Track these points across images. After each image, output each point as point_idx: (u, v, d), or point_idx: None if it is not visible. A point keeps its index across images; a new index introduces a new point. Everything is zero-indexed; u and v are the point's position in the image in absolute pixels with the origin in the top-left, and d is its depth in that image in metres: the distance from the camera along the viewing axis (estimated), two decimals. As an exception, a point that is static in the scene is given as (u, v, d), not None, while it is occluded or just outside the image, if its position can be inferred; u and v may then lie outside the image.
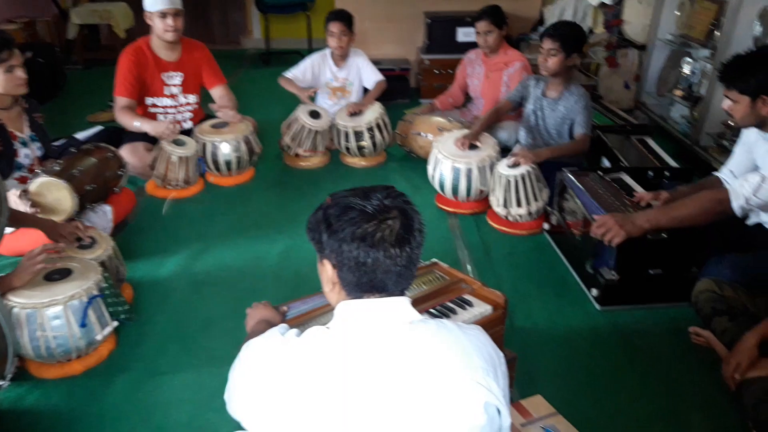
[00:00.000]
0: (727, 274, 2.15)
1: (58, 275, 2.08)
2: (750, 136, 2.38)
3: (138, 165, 3.32)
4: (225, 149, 3.42)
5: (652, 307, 2.43)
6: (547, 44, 3.06)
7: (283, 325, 1.24)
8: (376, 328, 1.07)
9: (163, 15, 3.31)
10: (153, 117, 3.51)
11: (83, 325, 2.02)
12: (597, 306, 2.45)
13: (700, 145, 3.72)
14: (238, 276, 2.67)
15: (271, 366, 1.08)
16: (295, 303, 1.86)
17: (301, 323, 1.76)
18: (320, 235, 1.14)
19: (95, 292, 2.07)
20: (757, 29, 3.46)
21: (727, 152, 3.40)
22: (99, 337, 2.09)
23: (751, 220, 2.41)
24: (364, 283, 1.10)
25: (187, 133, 3.50)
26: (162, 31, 3.35)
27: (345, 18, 3.83)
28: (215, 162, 3.43)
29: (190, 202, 3.34)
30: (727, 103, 2.24)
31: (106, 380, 2.08)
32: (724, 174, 2.49)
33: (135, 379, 2.09)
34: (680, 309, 2.38)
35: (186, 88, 3.58)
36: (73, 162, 2.75)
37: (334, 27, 3.80)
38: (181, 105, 3.60)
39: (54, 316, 1.98)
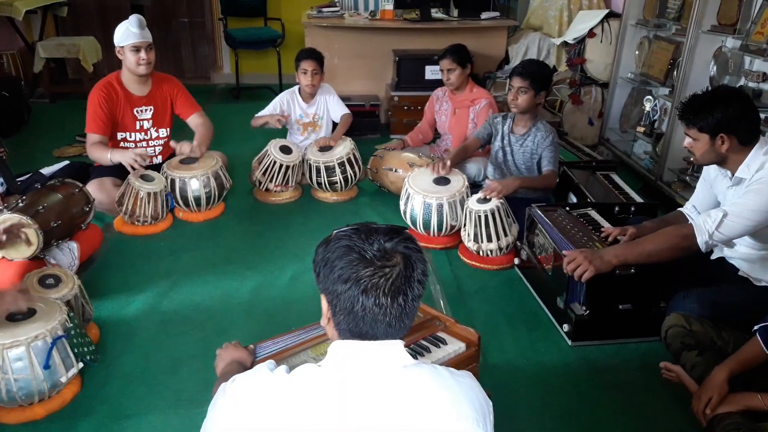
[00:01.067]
0: (695, 308, 2.19)
1: (21, 315, 2.01)
2: (710, 172, 2.46)
3: (105, 201, 3.27)
4: (194, 185, 3.39)
5: (623, 342, 2.46)
6: (517, 82, 3.14)
7: (271, 361, 1.22)
8: (369, 370, 1.05)
9: (136, 49, 3.31)
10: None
11: (47, 367, 1.95)
12: (569, 341, 2.46)
13: (663, 181, 3.82)
14: (207, 314, 2.62)
15: (261, 402, 1.05)
16: (266, 343, 1.83)
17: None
18: (319, 269, 1.12)
19: (60, 333, 2.01)
20: (713, 69, 3.60)
21: (689, 187, 3.51)
22: (63, 380, 2.02)
23: (715, 255, 2.47)
24: (353, 329, 1.07)
25: (156, 168, 3.47)
26: (134, 65, 3.34)
27: (317, 57, 3.89)
28: (184, 198, 3.39)
29: (158, 239, 3.29)
30: (687, 141, 2.30)
31: (70, 425, 2.00)
32: (688, 209, 2.56)
33: (99, 423, 2.02)
34: (651, 344, 2.41)
35: (157, 122, 3.56)
36: (38, 198, 2.69)
37: (307, 65, 3.85)
38: (152, 139, 3.58)
39: (16, 358, 1.91)
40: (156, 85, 3.54)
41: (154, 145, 3.60)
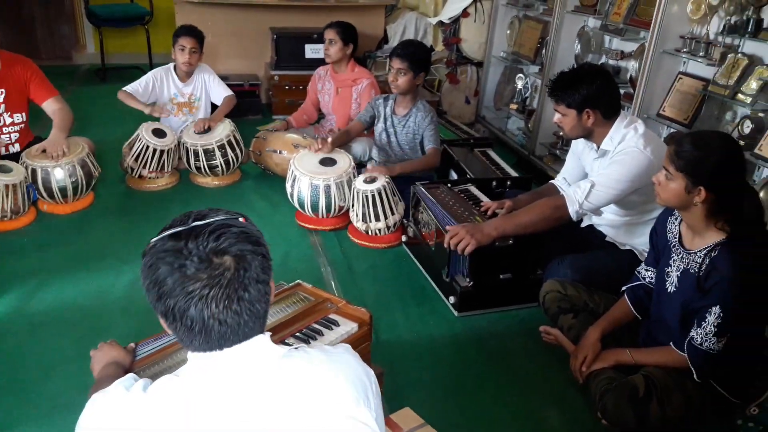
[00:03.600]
0: (568, 273, 2.34)
1: None
2: (578, 146, 2.61)
3: (-46, 195, 2.95)
4: (59, 175, 3.13)
5: (505, 309, 2.58)
6: (396, 64, 3.17)
7: (130, 376, 1.11)
8: (233, 374, 0.98)
9: None
10: (-28, 139, 3.14)
11: None
12: (455, 313, 2.55)
13: (535, 155, 4.03)
14: (80, 314, 2.45)
15: (116, 425, 0.97)
16: (147, 341, 1.73)
17: (154, 362, 1.64)
18: (145, 289, 0.99)
19: None
20: (577, 47, 3.82)
21: (560, 161, 3.72)
22: None
23: (584, 223, 2.64)
24: (197, 345, 0.97)
25: (15, 157, 3.17)
26: None
27: (197, 34, 3.72)
28: (48, 189, 3.13)
29: (20, 235, 3.02)
30: (556, 117, 2.43)
31: (-75, 447, 1.81)
32: (559, 181, 2.71)
33: (-38, 442, 1.84)
34: (530, 310, 2.55)
35: (9, 106, 3.24)
36: None
37: (186, 42, 3.66)
38: (5, 125, 3.25)
39: None
40: (6, 67, 3.21)
41: (9, 132, 3.28)
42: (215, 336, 0.96)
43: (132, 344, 1.66)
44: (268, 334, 1.04)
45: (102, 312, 2.47)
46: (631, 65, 3.44)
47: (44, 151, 3.14)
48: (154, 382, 1.02)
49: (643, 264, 2.13)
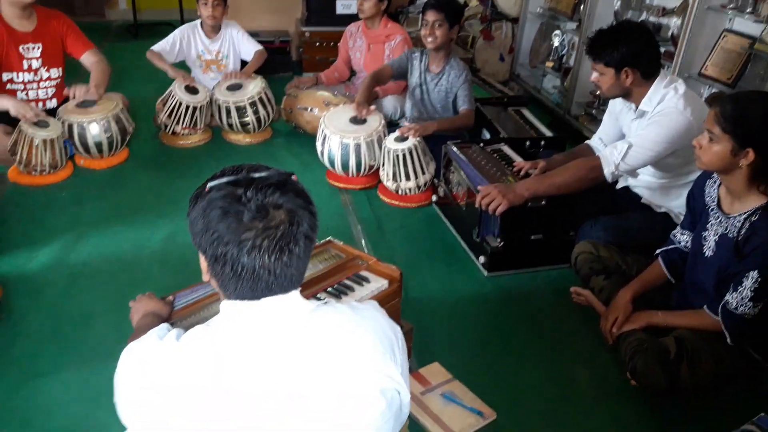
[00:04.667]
0: (601, 235, 2.32)
1: None
2: (616, 105, 2.55)
3: (-5, 150, 3.02)
4: (94, 130, 3.17)
5: (536, 270, 2.57)
6: (432, 15, 3.09)
7: (164, 326, 1.14)
8: (263, 326, 1.01)
9: None
10: (12, 94, 3.19)
11: (-57, 331, 1.82)
12: (485, 273, 2.55)
13: (571, 114, 3.95)
14: (118, 266, 2.51)
15: (152, 375, 1.00)
16: (184, 292, 1.77)
17: (190, 313, 1.69)
18: (194, 230, 1.03)
19: (-45, 294, 1.87)
20: (617, 4, 3.69)
21: (596, 120, 3.64)
22: (-37, 343, 1.90)
23: (620, 185, 2.60)
24: (240, 291, 1.00)
25: (52, 112, 3.22)
26: None
27: None
28: (84, 144, 3.18)
29: (59, 188, 3.09)
30: (594, 76, 2.37)
31: (-24, 388, 1.90)
32: (595, 142, 2.66)
33: (9, 385, 1.91)
34: (561, 271, 2.54)
35: (46, 61, 3.27)
36: None
37: None
38: (42, 80, 3.29)
39: None
40: (42, 22, 3.24)
41: (46, 87, 3.32)
42: (262, 285, 0.99)
43: (170, 296, 1.70)
44: (298, 289, 1.06)
45: (139, 264, 2.53)
46: (673, 22, 3.31)
47: (77, 105, 3.18)
48: (187, 331, 1.05)
49: (678, 227, 2.10)
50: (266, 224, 0.96)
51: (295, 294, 1.04)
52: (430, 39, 3.14)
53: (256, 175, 1.01)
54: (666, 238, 2.13)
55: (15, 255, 2.53)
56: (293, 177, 1.05)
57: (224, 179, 1.01)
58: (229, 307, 1.03)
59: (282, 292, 1.01)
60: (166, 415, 0.97)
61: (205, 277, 1.06)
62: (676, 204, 2.40)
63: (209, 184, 1.02)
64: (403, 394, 1.08)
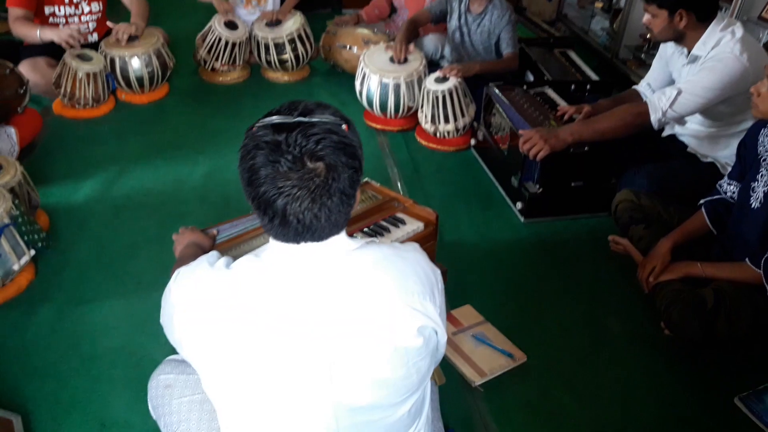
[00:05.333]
0: (644, 184, 2.26)
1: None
2: (667, 50, 2.44)
3: (41, 83, 3.06)
4: (136, 64, 3.19)
5: (574, 218, 2.54)
6: None
7: (213, 253, 1.16)
8: (311, 260, 1.03)
9: None
10: (54, 29, 3.21)
11: (-4, 256, 1.91)
12: (521, 218, 2.53)
13: (619, 58, 3.81)
14: (160, 199, 2.57)
15: (202, 298, 1.03)
16: (225, 225, 1.82)
17: (232, 246, 1.73)
18: (239, 164, 1.02)
19: (6, 221, 1.94)
20: (676, -59, 3.48)
21: (644, 65, 3.51)
22: (16, 267, 1.98)
23: (666, 132, 2.52)
24: (281, 235, 1.01)
25: (93, 46, 3.24)
26: None
27: None
28: (126, 78, 3.21)
29: (101, 122, 3.14)
30: (646, 17, 2.27)
31: (28, 311, 1.99)
32: (642, 87, 2.57)
33: (58, 309, 2.01)
34: (600, 219, 2.51)
35: (87, -7, 3.28)
36: (-34, 79, 2.50)
37: None
38: (83, 14, 3.30)
39: (-38, 248, 1.85)
40: (85, -46, 3.23)
41: (87, 21, 3.33)
42: (292, 231, 0.99)
43: (214, 230, 1.73)
44: (341, 233, 1.06)
45: (179, 198, 2.58)
46: (735, -39, 3.12)
47: (117, 40, 3.19)
48: (236, 260, 1.07)
49: (726, 177, 2.04)
50: (301, 175, 0.95)
51: (337, 238, 1.04)
52: None
53: (305, 119, 0.98)
54: (711, 189, 2.07)
55: (61, 186, 2.61)
56: (344, 126, 1.01)
57: (272, 119, 0.99)
58: (275, 244, 1.05)
59: (316, 239, 1.02)
60: (213, 336, 1.00)
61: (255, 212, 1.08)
62: (723, 154, 2.32)
63: (256, 124, 1.01)
64: (440, 334, 1.10)
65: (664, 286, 1.94)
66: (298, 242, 1.02)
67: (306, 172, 0.95)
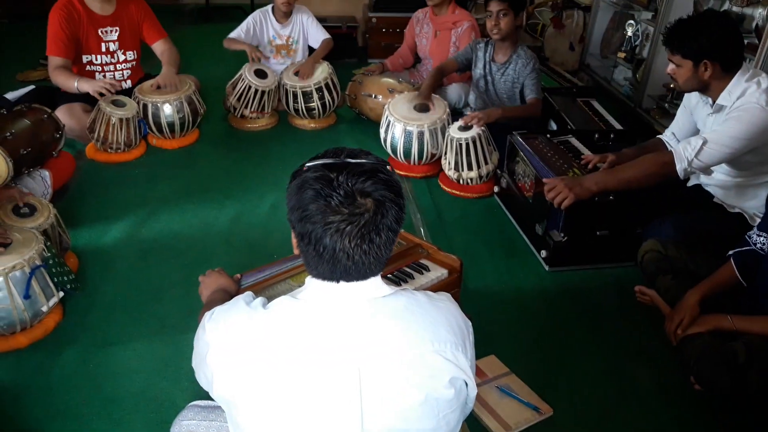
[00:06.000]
0: (670, 233, 2.24)
1: (-3, 244, 1.98)
2: (692, 99, 2.45)
3: (76, 127, 3.16)
4: (167, 110, 3.29)
5: (600, 267, 2.51)
6: (495, 6, 3.05)
7: (249, 294, 1.18)
8: (342, 307, 1.04)
9: None
10: (90, 76, 3.34)
11: (27, 296, 1.94)
12: (546, 267, 2.51)
13: (642, 107, 3.82)
14: (186, 243, 2.61)
15: (238, 337, 1.04)
16: (250, 272, 1.83)
17: (256, 292, 1.74)
18: (288, 201, 1.07)
19: (38, 262, 1.98)
20: (698, -7, 3.53)
21: (668, 114, 3.52)
22: (44, 309, 2.01)
23: (691, 182, 2.50)
24: (321, 271, 1.04)
25: (127, 93, 3.35)
26: None
27: None
28: (157, 124, 3.30)
29: (132, 166, 3.22)
30: (670, 67, 2.28)
31: (54, 352, 2.01)
32: (667, 137, 2.57)
33: (84, 351, 2.03)
34: (626, 269, 2.48)
35: (123, 44, 3.41)
36: (5, 124, 2.59)
37: None
38: (119, 62, 3.43)
39: (-6, 289, 1.89)
40: (121, 6, 3.37)
41: (122, 69, 3.46)
42: (340, 268, 1.02)
43: (238, 275, 1.75)
44: (379, 275, 1.08)
45: (206, 242, 2.62)
46: (758, 13, 3.15)
47: (158, 87, 3.30)
48: (272, 300, 1.08)
49: (755, 228, 2.01)
50: (352, 210, 0.99)
51: (375, 279, 1.07)
52: (495, 31, 3.10)
53: (352, 161, 1.03)
54: (739, 240, 2.04)
55: (91, 228, 2.66)
56: (388, 167, 1.06)
57: (322, 161, 1.04)
58: (313, 283, 1.07)
59: (360, 278, 1.04)
60: (249, 375, 1.01)
61: (296, 251, 1.10)
62: (751, 204, 2.29)
63: (307, 164, 1.05)
64: (470, 387, 1.09)
65: (692, 338, 1.89)
66: (338, 281, 1.04)
67: (356, 207, 0.99)
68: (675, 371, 2.00)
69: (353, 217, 0.98)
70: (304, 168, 1.05)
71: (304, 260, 1.07)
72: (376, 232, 1.01)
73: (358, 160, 1.04)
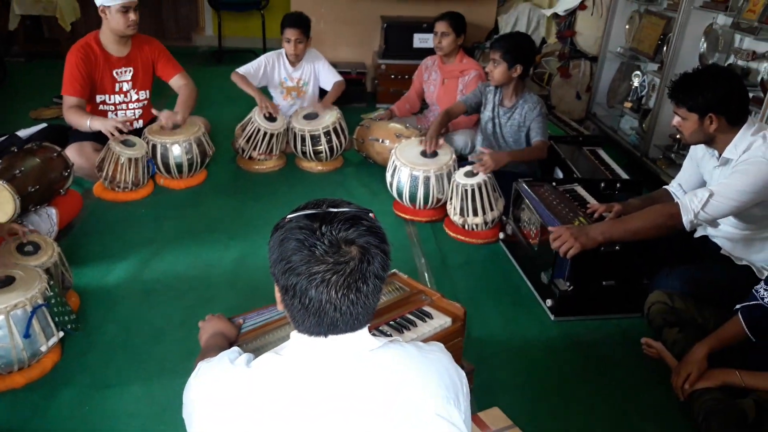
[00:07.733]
0: (677, 285, 2.22)
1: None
2: (698, 151, 2.46)
3: (85, 166, 3.20)
4: (176, 151, 3.32)
5: (606, 317, 2.48)
6: (491, 55, 3.16)
7: (234, 350, 1.16)
8: (329, 362, 1.01)
9: (125, 9, 3.20)
10: (103, 114, 3.39)
11: (27, 335, 1.92)
12: (551, 316, 2.48)
13: (648, 157, 3.83)
14: (189, 284, 2.59)
15: (222, 394, 1.02)
16: (251, 314, 1.82)
17: (257, 336, 1.72)
18: (270, 254, 1.05)
19: (40, 301, 1.97)
20: (703, 46, 3.58)
21: (674, 165, 3.53)
22: (44, 349, 1.99)
23: (698, 233, 2.49)
24: (307, 325, 1.01)
25: (137, 133, 3.39)
26: (123, 27, 3.24)
27: (302, 24, 3.78)
28: (166, 164, 3.33)
29: (139, 206, 3.23)
30: (676, 120, 2.29)
31: (50, 393, 1.98)
32: (673, 187, 2.57)
33: (81, 392, 2.00)
34: (632, 320, 2.44)
35: (136, 83, 3.47)
36: (15, 162, 2.62)
37: (291, 34, 3.75)
38: (131, 102, 3.49)
39: (-6, 327, 1.87)
40: (136, 47, 3.44)
41: (134, 108, 3.51)
42: (327, 321, 0.99)
43: (240, 319, 1.74)
44: (367, 327, 1.06)
45: (209, 284, 2.60)
46: (763, 67, 3.18)
47: (162, 127, 3.34)
48: (256, 357, 1.06)
49: (762, 282, 1.98)
50: (337, 259, 0.97)
51: (363, 332, 1.04)
52: (489, 77, 3.20)
53: (335, 210, 1.03)
54: (747, 292, 2.01)
55: (94, 267, 2.66)
56: (371, 214, 1.06)
57: (304, 212, 1.03)
58: (298, 338, 1.04)
59: (349, 330, 1.02)
60: None
61: (279, 306, 1.09)
62: (759, 257, 2.27)
63: (288, 216, 1.04)
64: (465, 441, 1.05)
65: (701, 394, 1.86)
66: (326, 335, 1.01)
67: (341, 255, 0.97)
68: (683, 427, 1.95)
69: (339, 266, 0.97)
70: (286, 220, 1.04)
71: (289, 315, 1.04)
72: (363, 280, 0.99)
73: (341, 209, 1.03)
